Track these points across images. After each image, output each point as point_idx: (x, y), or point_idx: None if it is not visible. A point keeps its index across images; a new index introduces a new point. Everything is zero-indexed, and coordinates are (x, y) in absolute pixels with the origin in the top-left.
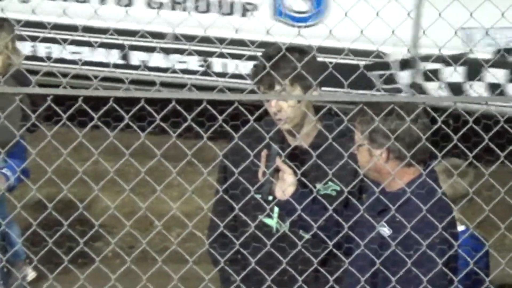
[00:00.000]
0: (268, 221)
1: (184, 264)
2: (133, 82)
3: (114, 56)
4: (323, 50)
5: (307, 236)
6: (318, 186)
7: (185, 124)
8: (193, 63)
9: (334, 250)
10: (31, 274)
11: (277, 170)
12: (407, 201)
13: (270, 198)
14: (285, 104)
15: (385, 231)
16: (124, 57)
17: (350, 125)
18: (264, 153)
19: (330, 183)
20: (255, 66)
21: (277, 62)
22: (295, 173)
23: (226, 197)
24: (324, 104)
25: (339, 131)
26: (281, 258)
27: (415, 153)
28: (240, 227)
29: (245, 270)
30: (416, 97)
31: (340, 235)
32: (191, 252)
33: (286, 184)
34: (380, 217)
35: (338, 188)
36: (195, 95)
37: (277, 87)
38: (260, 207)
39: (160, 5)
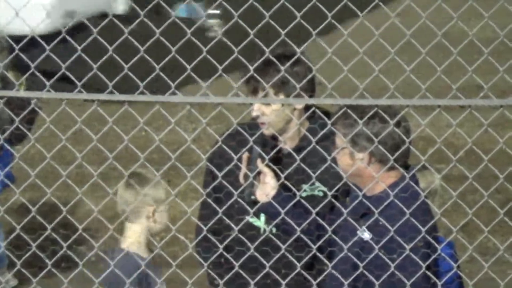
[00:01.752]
0: (256, 222)
1: (167, 267)
2: None
3: None
4: None
5: (290, 240)
6: (305, 187)
7: (169, 128)
8: None
9: (318, 253)
10: (12, 282)
11: (259, 173)
12: (389, 205)
13: (253, 197)
14: (267, 110)
15: (365, 235)
16: None
17: (334, 128)
18: (245, 156)
19: (317, 183)
20: (245, 68)
21: (266, 68)
22: (277, 176)
23: (209, 200)
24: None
25: (324, 134)
26: (264, 262)
27: (396, 156)
28: (225, 231)
29: (232, 272)
30: (400, 100)
31: (323, 239)
32: (175, 255)
33: (267, 187)
34: (363, 221)
35: (325, 189)
36: (179, 98)
37: (261, 93)
38: (245, 210)
39: None
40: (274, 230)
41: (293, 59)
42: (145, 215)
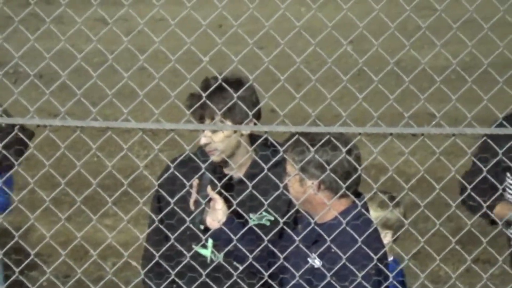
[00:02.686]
0: (202, 251)
1: None
2: None
3: None
4: None
5: (241, 267)
6: (252, 216)
7: (121, 154)
8: None
9: (269, 280)
10: None
11: (209, 200)
12: (340, 232)
13: (202, 227)
14: (215, 137)
15: (316, 262)
16: None
17: (285, 155)
18: (195, 182)
19: (264, 213)
20: (191, 95)
21: (211, 95)
22: (227, 202)
23: (161, 226)
24: (260, 135)
25: (274, 161)
26: None
27: (346, 184)
28: (175, 257)
29: None
30: (352, 128)
31: (275, 266)
32: (127, 281)
33: (217, 214)
34: (314, 248)
35: (272, 218)
36: (131, 124)
37: (208, 121)
38: (195, 237)
39: None
40: (221, 258)
41: (245, 84)
42: None
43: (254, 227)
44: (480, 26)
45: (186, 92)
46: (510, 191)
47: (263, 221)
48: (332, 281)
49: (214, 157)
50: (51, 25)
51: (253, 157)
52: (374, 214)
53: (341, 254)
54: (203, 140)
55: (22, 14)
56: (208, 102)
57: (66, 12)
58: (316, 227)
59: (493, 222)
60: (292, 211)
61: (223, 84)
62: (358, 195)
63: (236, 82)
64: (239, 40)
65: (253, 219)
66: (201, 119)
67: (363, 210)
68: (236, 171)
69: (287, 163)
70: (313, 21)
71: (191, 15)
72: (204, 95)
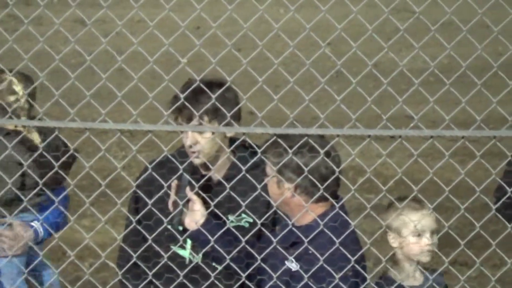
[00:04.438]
0: (181, 252)
1: None
2: None
3: None
4: None
5: (219, 268)
6: (231, 217)
7: (99, 155)
8: None
9: (247, 282)
10: None
11: (188, 201)
12: (318, 234)
13: (181, 228)
14: (200, 138)
15: (293, 266)
16: None
17: (264, 157)
18: (174, 183)
19: (243, 215)
20: (175, 97)
21: (197, 96)
22: (206, 204)
23: (138, 227)
24: (238, 136)
25: (253, 163)
26: None
27: (324, 188)
28: (153, 258)
29: None
30: (330, 130)
31: (253, 267)
32: (104, 282)
33: (195, 215)
34: (293, 250)
35: (251, 220)
36: (109, 125)
37: (195, 121)
38: (173, 238)
39: None
40: (199, 258)
41: (224, 87)
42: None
43: (232, 229)
44: (458, 29)
45: (164, 94)
46: None
47: (242, 223)
48: (309, 283)
49: (197, 159)
50: (30, 26)
51: (232, 159)
52: (412, 217)
53: (318, 255)
54: (189, 141)
55: (1, 15)
56: (197, 103)
57: (44, 13)
58: (294, 229)
59: None
60: (270, 212)
61: (208, 86)
62: (337, 197)
63: (220, 85)
64: (217, 42)
65: (232, 221)
66: (188, 120)
67: (341, 213)
68: (215, 172)
69: (267, 165)
70: (291, 23)
71: (169, 17)
72: (177, 97)
